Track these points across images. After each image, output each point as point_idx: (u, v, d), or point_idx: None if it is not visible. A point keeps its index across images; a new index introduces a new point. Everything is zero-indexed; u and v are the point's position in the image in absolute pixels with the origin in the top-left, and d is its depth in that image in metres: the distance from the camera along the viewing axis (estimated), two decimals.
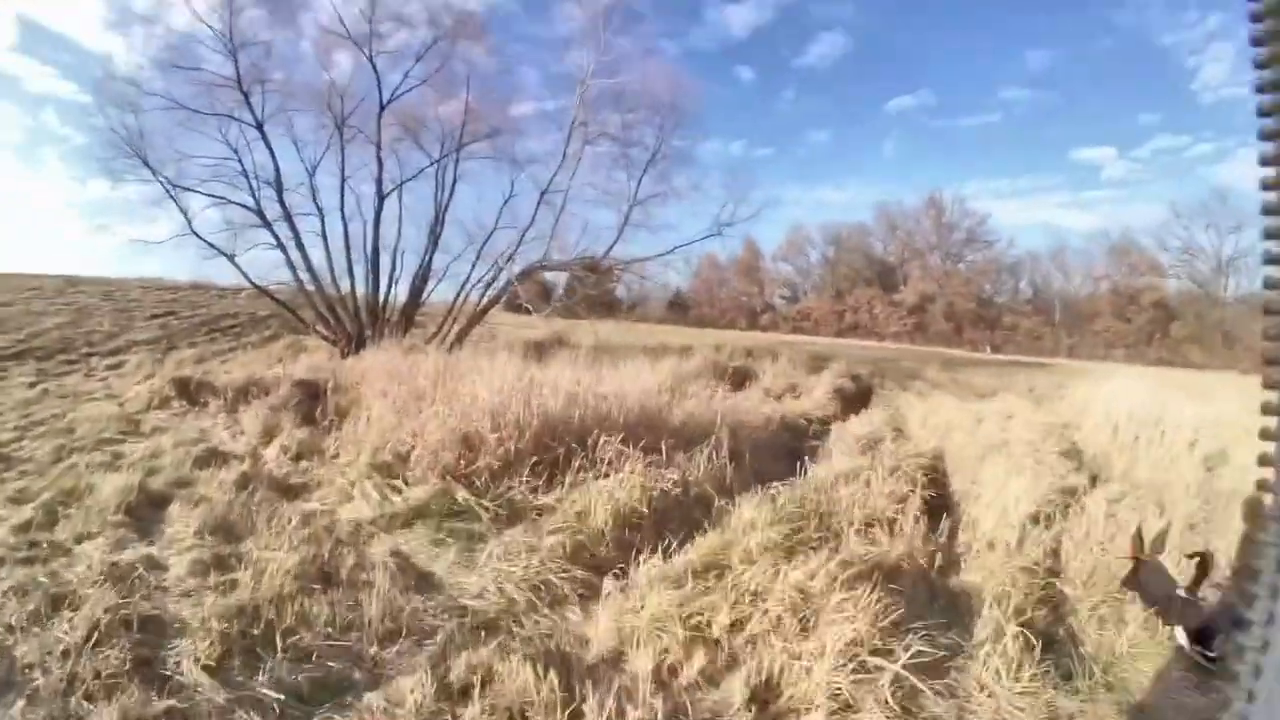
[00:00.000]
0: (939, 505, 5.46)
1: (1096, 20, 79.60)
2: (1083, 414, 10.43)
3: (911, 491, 4.93)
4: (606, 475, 4.75)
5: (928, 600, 3.76)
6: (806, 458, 6.23)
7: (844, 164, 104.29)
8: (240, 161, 15.28)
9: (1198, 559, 4.19)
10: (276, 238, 15.51)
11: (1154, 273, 56.88)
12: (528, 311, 18.94)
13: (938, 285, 65.53)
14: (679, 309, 76.61)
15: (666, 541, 4.00)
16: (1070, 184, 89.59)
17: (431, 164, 16.89)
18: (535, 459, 5.11)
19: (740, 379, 12.67)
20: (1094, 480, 6.26)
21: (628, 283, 20.19)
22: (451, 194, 17.10)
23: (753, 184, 19.99)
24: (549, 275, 20.75)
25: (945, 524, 4.73)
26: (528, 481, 4.93)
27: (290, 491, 5.43)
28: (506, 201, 17.45)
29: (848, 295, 69.43)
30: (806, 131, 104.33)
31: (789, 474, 6.06)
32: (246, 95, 14.98)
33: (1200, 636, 3.53)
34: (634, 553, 4.02)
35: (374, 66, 15.91)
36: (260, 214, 15.40)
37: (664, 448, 5.07)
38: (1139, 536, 4.17)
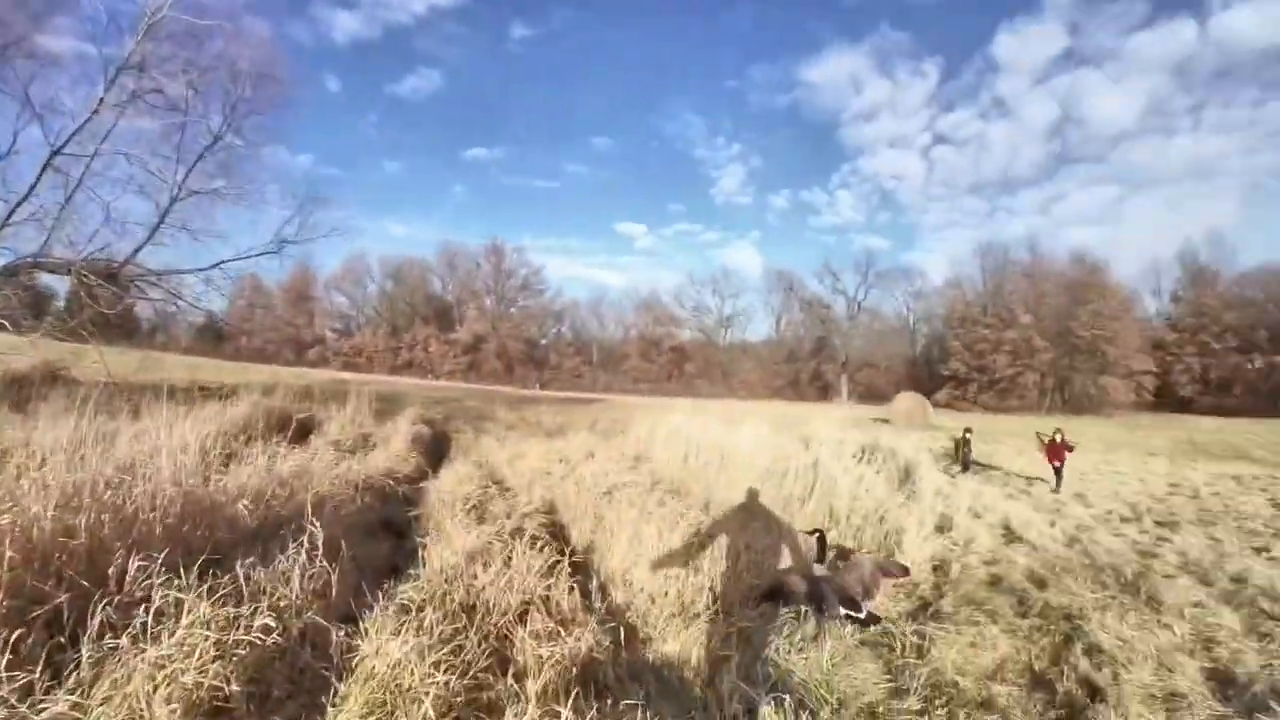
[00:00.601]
0: (582, 565, 5.09)
1: (653, 126, 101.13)
2: (651, 447, 11.47)
3: (559, 560, 4.36)
4: (155, 638, 2.63)
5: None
6: (419, 538, 5.17)
7: (414, 200, 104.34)
8: None
9: (816, 534, 5.86)
10: None
11: (672, 324, 73.06)
12: (3, 328, 12.97)
13: (492, 326, 69.19)
14: (212, 337, 64.01)
15: None
16: (609, 249, 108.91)
17: None
18: (10, 632, 2.48)
19: (302, 430, 10.56)
20: (706, 507, 6.73)
21: (155, 300, 15.24)
22: None
23: (324, 203, 17.42)
24: (46, 278, 14.63)
25: (598, 591, 4.33)
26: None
27: None
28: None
29: (405, 332, 68.00)
30: (382, 160, 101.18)
31: (398, 561, 4.94)
32: None
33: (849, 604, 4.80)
34: None
35: None
36: None
37: (237, 562, 3.21)
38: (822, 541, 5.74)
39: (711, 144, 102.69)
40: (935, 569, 6.48)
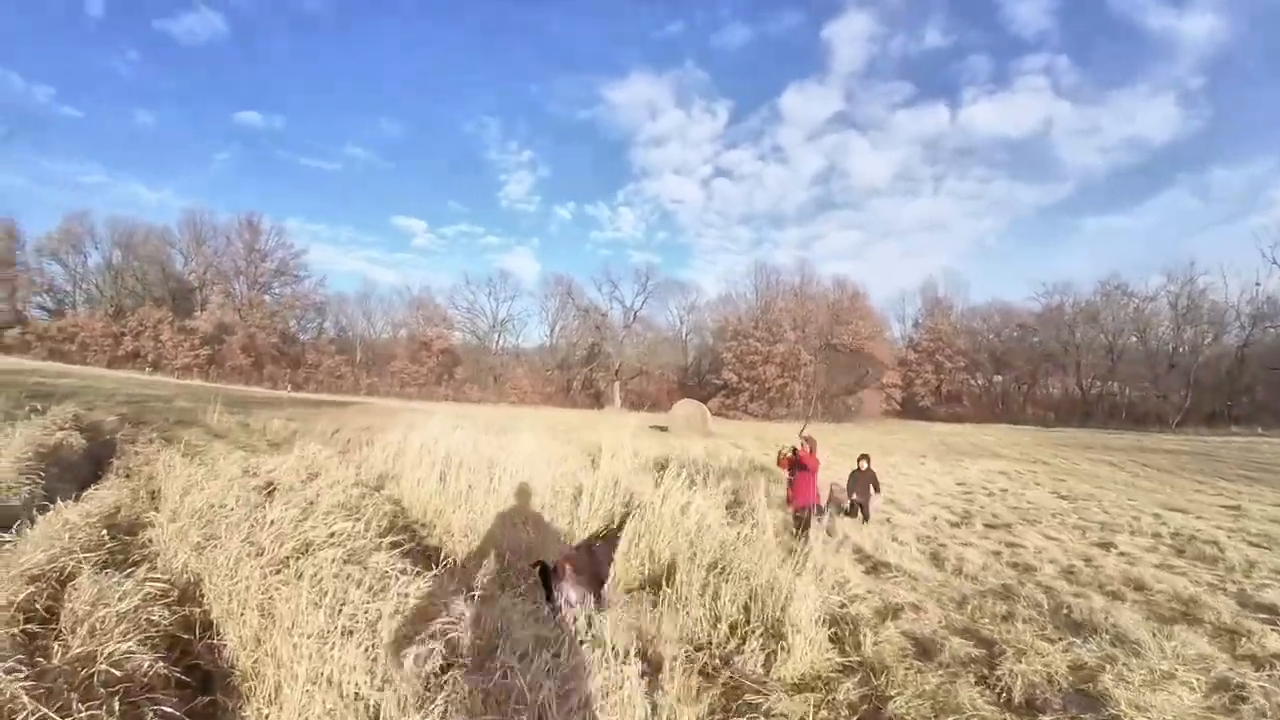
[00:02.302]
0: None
1: (447, 120, 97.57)
2: (399, 463, 10.02)
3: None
4: None
5: None
6: None
7: (167, 161, 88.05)
8: None
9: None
10: None
11: (445, 325, 69.34)
12: None
13: (239, 315, 60.80)
14: None
15: None
16: (385, 243, 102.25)
17: None
18: None
19: None
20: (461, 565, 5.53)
21: None
22: None
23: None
24: None
25: None
26: None
27: None
28: None
29: (130, 315, 56.92)
30: (135, 108, 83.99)
31: None
32: None
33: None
34: None
35: None
36: None
37: None
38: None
39: (504, 147, 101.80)
40: (833, 639, 5.06)
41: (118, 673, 3.20)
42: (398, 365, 63.69)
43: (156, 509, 7.19)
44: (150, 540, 5.98)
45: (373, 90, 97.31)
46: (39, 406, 10.32)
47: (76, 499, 7.04)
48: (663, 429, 33.12)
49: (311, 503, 6.40)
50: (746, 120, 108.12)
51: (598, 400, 67.66)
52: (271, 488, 8.81)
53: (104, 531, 5.69)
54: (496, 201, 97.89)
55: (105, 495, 7.44)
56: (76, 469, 8.72)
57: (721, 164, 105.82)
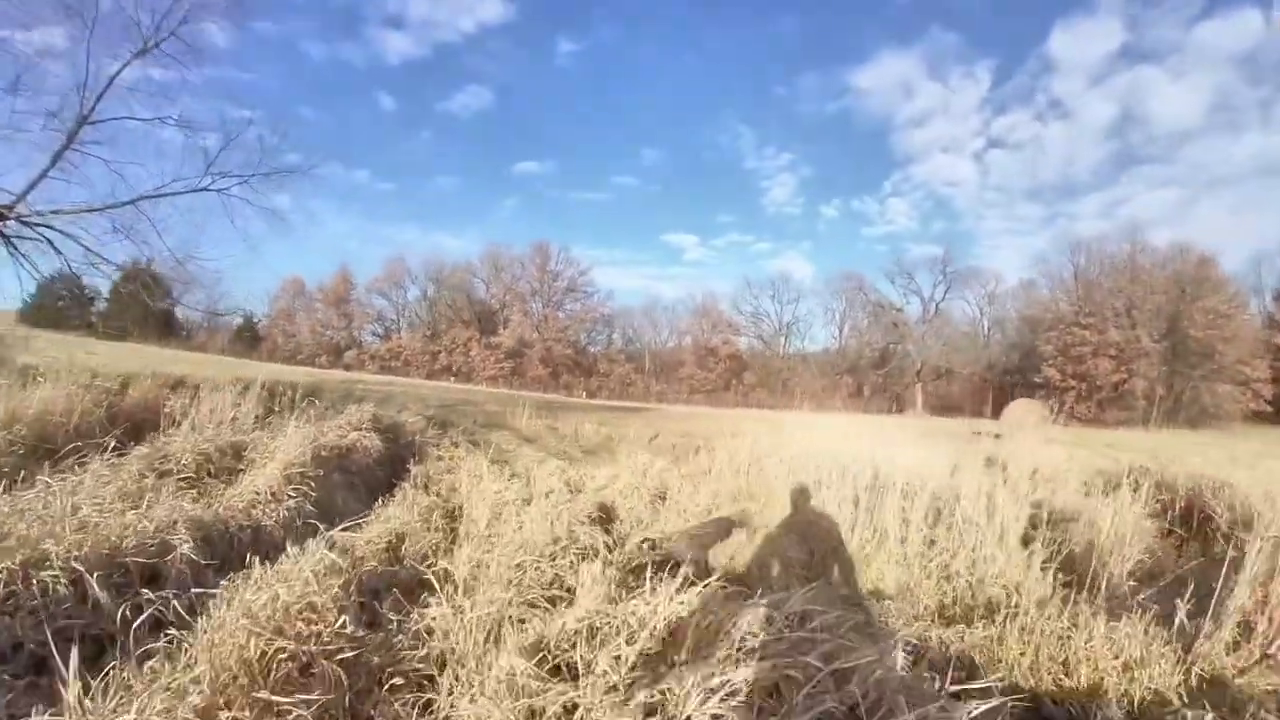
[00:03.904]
0: None
1: (703, 137, 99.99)
2: (754, 478, 6.92)
3: None
4: None
5: None
6: None
7: (464, 214, 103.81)
8: None
9: None
10: None
11: (729, 330, 67.78)
12: None
13: (536, 331, 65.16)
14: (250, 339, 62.28)
15: None
16: (659, 260, 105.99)
17: None
18: None
19: (136, 431, 6.16)
20: None
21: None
22: None
23: (282, 137, 13.39)
24: None
25: None
26: None
27: None
28: None
29: (444, 335, 64.48)
30: (435, 175, 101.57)
31: None
32: None
33: None
34: None
35: None
36: None
37: None
38: None
39: (761, 154, 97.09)
40: None
41: None
42: (686, 372, 63.22)
43: (454, 542, 4.45)
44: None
45: (629, 122, 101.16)
46: (338, 408, 8.74)
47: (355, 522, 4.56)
48: (996, 437, 26.13)
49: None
50: (1013, 78, 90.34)
51: (896, 404, 60.16)
52: (608, 515, 5.79)
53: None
54: (762, 208, 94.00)
55: (391, 517, 4.85)
56: (368, 474, 6.50)
57: (993, 133, 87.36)
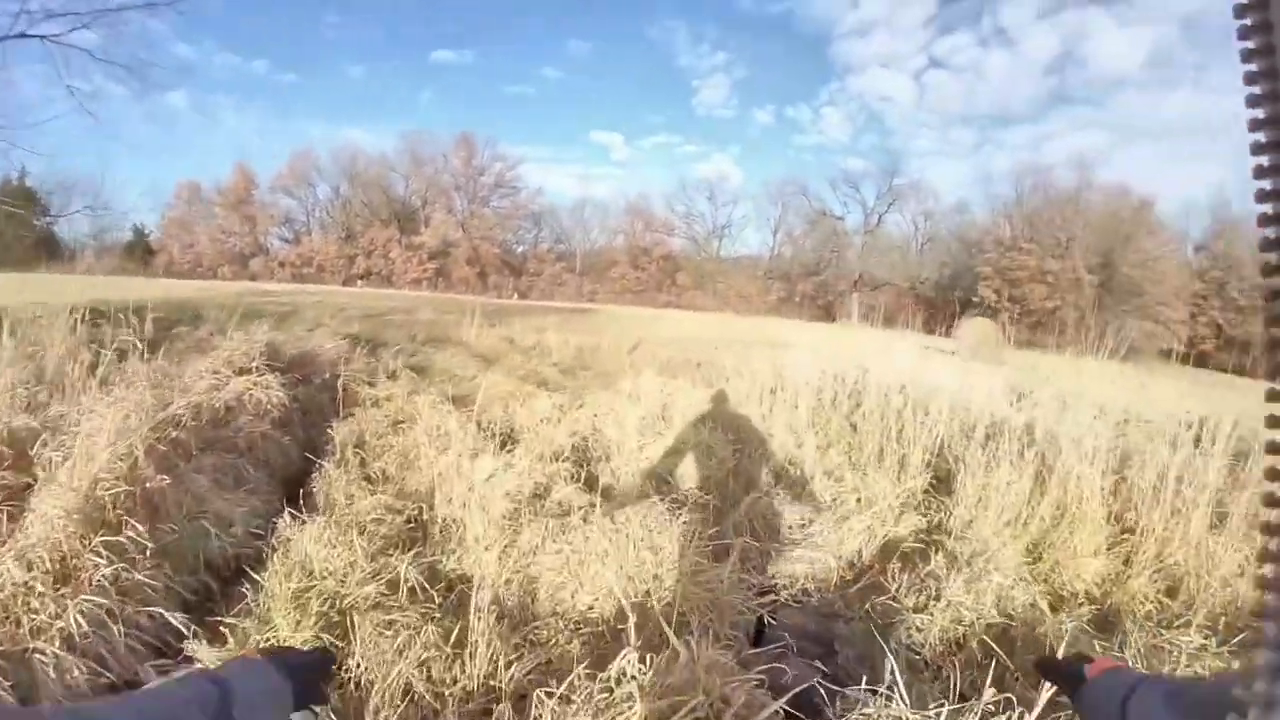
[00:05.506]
0: None
1: (633, 31, 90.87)
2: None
3: None
4: None
5: None
6: None
7: (377, 106, 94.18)
8: None
9: None
10: None
11: (664, 230, 64.85)
12: None
13: (462, 229, 60.24)
14: (142, 253, 54.44)
15: None
16: (585, 159, 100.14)
17: None
18: None
19: None
20: None
21: None
22: None
23: None
24: None
25: None
26: None
27: None
28: None
29: (361, 237, 58.58)
30: (344, 64, 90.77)
31: None
32: None
33: None
34: None
35: None
36: None
37: None
38: None
39: (695, 51, 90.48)
40: None
41: None
42: (618, 272, 60.43)
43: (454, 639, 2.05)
44: None
45: (556, 12, 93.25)
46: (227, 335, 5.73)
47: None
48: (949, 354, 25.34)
49: None
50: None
51: (828, 313, 59.64)
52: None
53: None
54: (692, 109, 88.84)
55: (310, 558, 2.36)
56: (264, 449, 3.92)
57: (935, 53, 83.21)
